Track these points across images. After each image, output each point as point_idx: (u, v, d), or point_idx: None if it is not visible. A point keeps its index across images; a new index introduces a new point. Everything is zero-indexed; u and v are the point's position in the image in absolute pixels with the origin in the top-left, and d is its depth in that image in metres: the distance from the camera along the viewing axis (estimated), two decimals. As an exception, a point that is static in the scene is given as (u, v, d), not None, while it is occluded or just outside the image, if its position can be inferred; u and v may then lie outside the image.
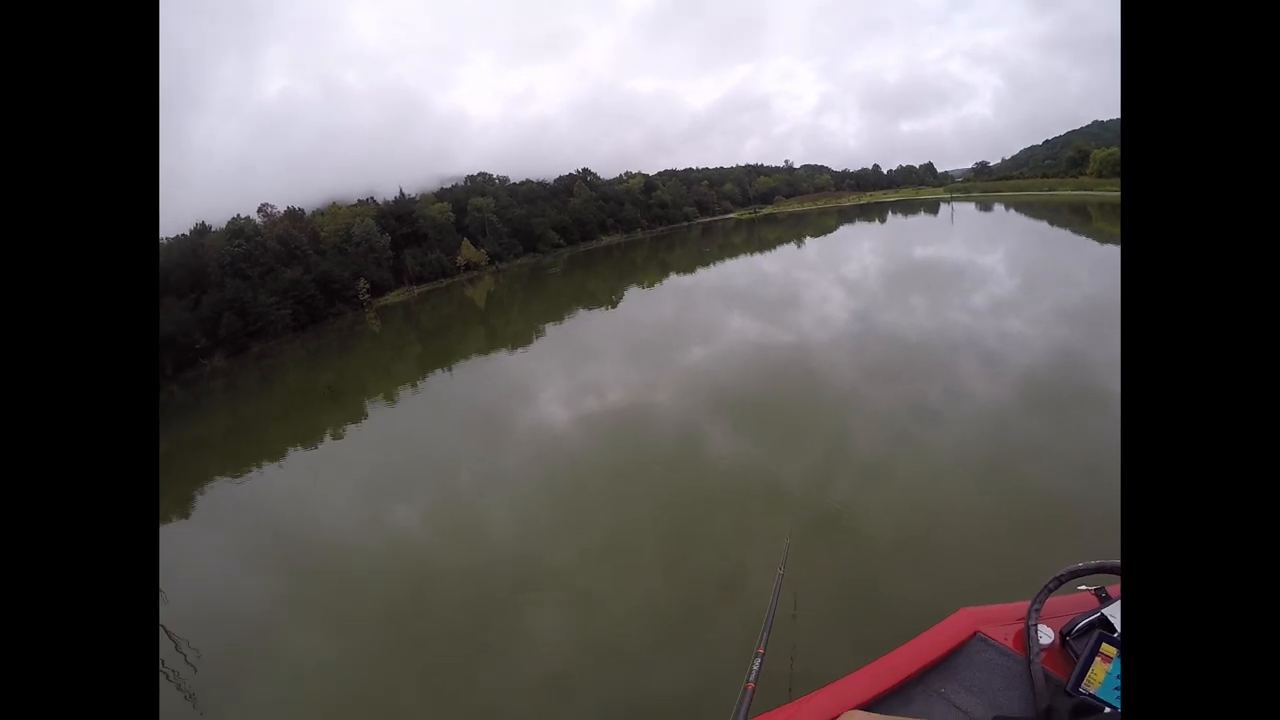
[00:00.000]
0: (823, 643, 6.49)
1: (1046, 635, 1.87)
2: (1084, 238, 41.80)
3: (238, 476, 16.68)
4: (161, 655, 8.35)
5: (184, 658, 8.48)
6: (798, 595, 6.55)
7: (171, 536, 13.56)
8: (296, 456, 17.97)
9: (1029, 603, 1.97)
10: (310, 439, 19.48)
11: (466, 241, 69.00)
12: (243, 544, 12.32)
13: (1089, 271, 26.96)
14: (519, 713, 6.72)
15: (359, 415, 21.60)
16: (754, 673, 2.20)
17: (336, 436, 19.28)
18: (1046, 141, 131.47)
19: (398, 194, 75.64)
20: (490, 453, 14.67)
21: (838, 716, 0.91)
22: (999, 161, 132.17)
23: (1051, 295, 22.49)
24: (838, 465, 10.88)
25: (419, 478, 13.92)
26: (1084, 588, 2.06)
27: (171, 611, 9.52)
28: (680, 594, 8.07)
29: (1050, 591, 1.95)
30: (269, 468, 17.08)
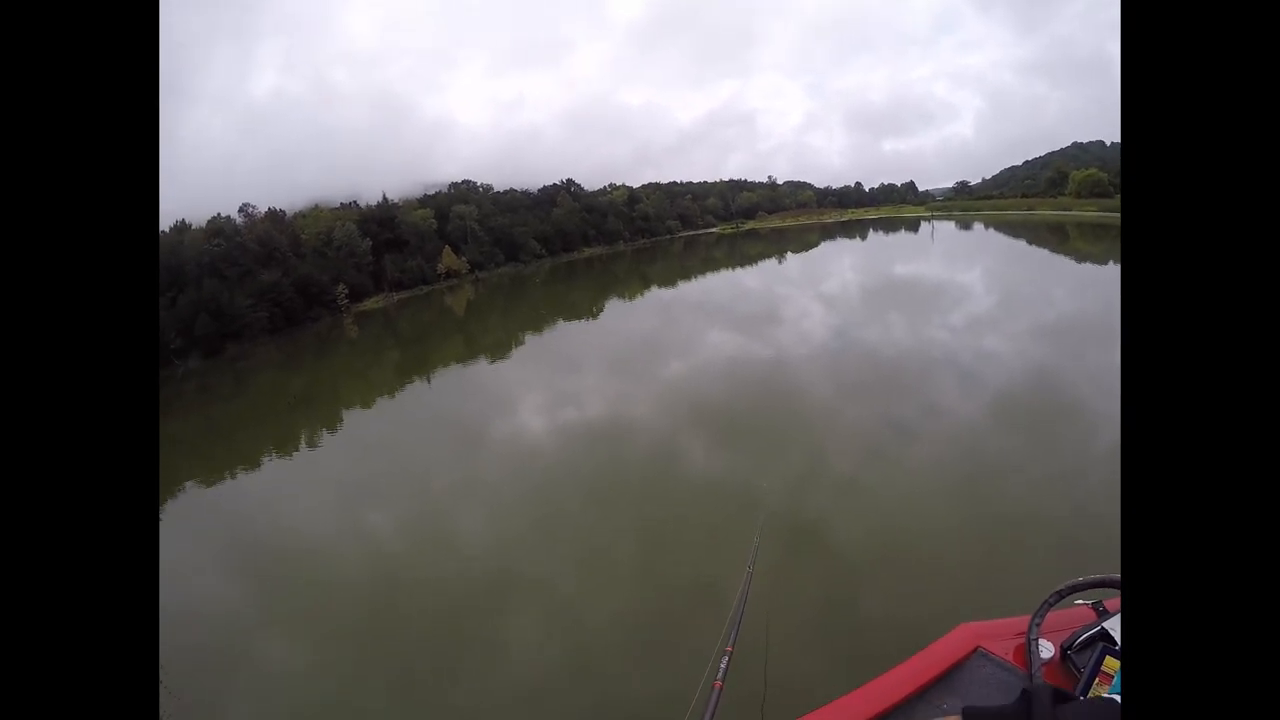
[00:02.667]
0: (796, 647, 6.50)
1: (1047, 649, 1.87)
2: (1061, 256, 42.35)
3: (209, 482, 16.42)
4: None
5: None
6: (770, 609, 6.57)
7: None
8: (271, 463, 17.71)
9: (1029, 617, 1.95)
10: (284, 445, 19.24)
11: (448, 249, 68.50)
12: (211, 550, 12.12)
13: (1066, 289, 27.27)
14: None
15: (334, 422, 21.40)
16: (722, 671, 2.20)
17: (311, 444, 19.07)
18: (1026, 162, 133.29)
19: (381, 199, 75.05)
20: (468, 463, 14.57)
21: None
22: (979, 181, 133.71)
23: (1028, 313, 22.70)
24: (814, 480, 10.90)
25: (395, 487, 13.77)
26: (1081, 602, 2.05)
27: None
28: (657, 599, 8.06)
29: (1050, 606, 1.94)
30: (242, 474, 16.83)
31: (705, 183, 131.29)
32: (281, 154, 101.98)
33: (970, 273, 36.11)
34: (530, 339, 32.48)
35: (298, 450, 18.63)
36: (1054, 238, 52.63)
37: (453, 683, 7.30)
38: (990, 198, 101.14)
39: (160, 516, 14.56)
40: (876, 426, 13.16)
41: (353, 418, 21.86)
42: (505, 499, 11.97)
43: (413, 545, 10.91)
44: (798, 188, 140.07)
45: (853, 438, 12.68)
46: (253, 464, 17.62)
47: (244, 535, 12.62)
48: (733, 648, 2.46)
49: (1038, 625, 1.91)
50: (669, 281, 51.31)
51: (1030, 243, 51.27)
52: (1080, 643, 1.86)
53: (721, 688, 2.10)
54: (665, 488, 11.37)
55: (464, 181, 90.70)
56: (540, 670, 7.25)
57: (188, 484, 16.66)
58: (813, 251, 64.17)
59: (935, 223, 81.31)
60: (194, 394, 32.28)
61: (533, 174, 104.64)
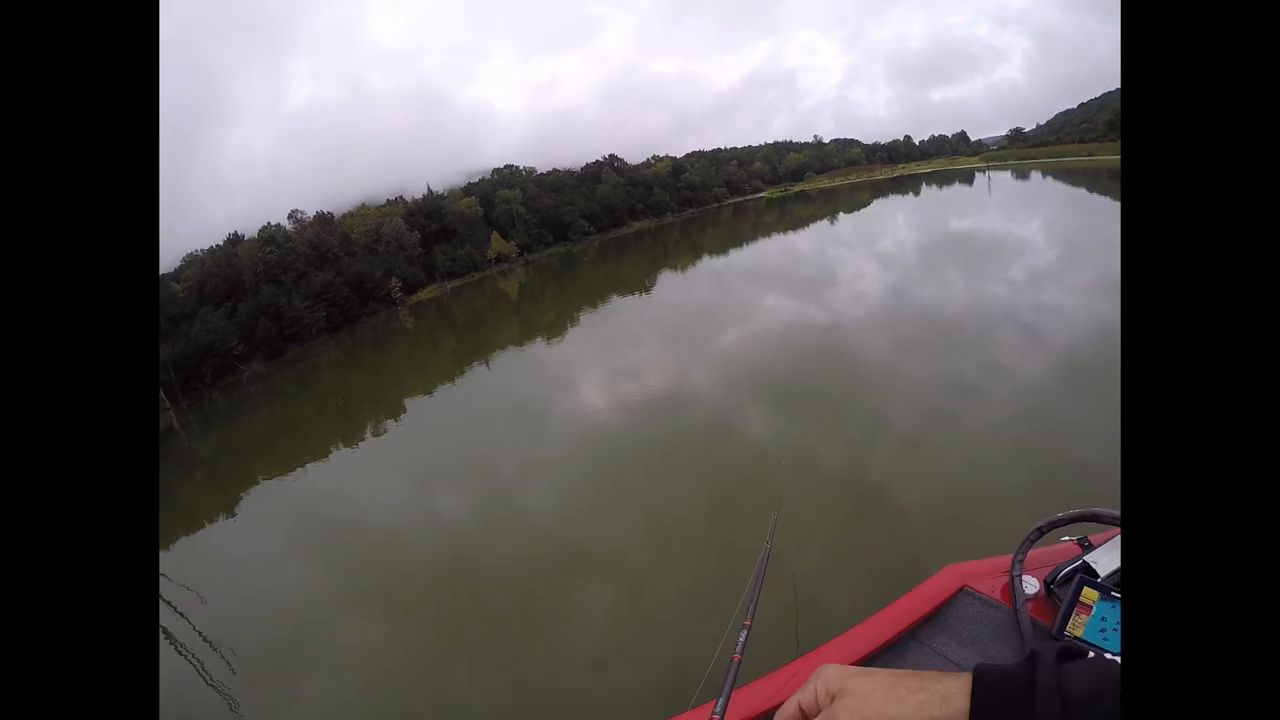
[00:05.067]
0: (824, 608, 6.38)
1: (1031, 585, 1.95)
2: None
3: (282, 476, 16.83)
4: (199, 660, 8.41)
5: (226, 663, 8.45)
6: (796, 574, 6.72)
7: (215, 538, 13.79)
8: (340, 455, 18.03)
9: (1013, 555, 2.04)
10: (351, 437, 19.57)
11: (496, 234, 69.35)
12: (289, 542, 12.39)
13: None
14: (567, 690, 6.64)
15: (398, 411, 21.67)
16: (740, 645, 2.17)
17: (377, 433, 19.33)
18: (1081, 104, 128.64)
19: (425, 191, 76.21)
20: (530, 442, 14.57)
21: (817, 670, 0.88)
22: (1034, 127, 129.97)
23: (1092, 265, 21.89)
24: (873, 448, 10.58)
25: (462, 470, 13.84)
26: (1067, 538, 2.11)
27: (211, 612, 9.65)
28: (718, 566, 7.94)
29: (1032, 543, 2.03)
30: (313, 466, 17.18)
31: (750, 147, 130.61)
32: (324, 159, 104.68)
33: (1030, 224, 34.94)
34: (585, 317, 32.44)
35: (364, 440, 18.91)
36: (1116, 184, 50.63)
37: (527, 651, 7.29)
38: (1046, 144, 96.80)
39: (235, 512, 14.97)
40: (937, 390, 12.71)
41: (416, 405, 22.10)
42: (568, 474, 11.90)
43: (483, 523, 10.93)
44: (845, 145, 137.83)
45: (908, 402, 12.26)
46: (322, 455, 18.00)
47: (322, 522, 12.85)
48: (751, 621, 2.39)
49: (1020, 562, 2.00)
50: (720, 250, 50.77)
51: (1091, 190, 49.46)
52: (1063, 577, 1.91)
53: (740, 660, 2.05)
54: (727, 457, 11.17)
55: (506, 166, 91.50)
56: (608, 636, 7.20)
57: (262, 480, 17.10)
58: (865, 210, 62.67)
59: (991, 173, 78.96)
60: (261, 395, 33.15)
61: (574, 152, 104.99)
